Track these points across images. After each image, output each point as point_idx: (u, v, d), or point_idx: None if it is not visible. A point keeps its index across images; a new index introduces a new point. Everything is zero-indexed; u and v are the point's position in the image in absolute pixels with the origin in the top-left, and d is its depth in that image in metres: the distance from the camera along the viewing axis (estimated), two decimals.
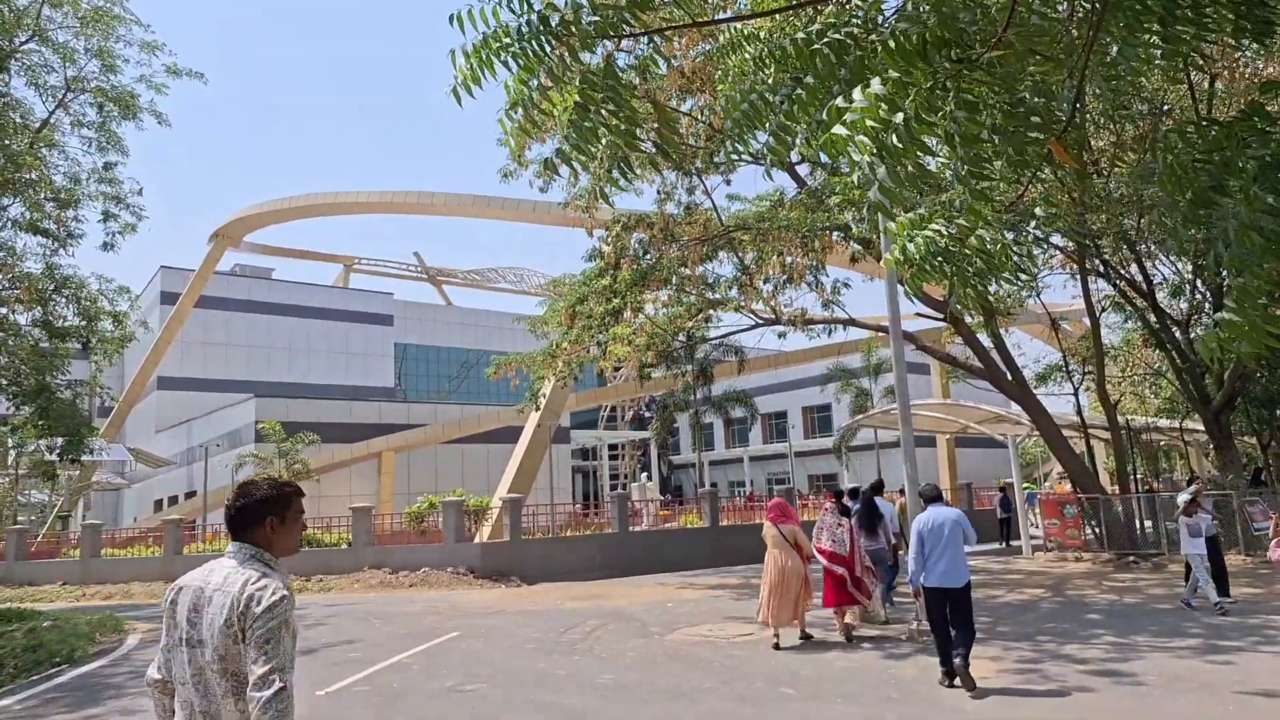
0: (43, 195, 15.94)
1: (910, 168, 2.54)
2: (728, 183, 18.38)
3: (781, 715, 6.78)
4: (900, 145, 2.48)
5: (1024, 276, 3.66)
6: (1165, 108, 14.86)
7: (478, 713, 7.29)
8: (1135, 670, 7.79)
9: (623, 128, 2.87)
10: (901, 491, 13.89)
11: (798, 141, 3.29)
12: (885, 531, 11.60)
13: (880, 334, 23.36)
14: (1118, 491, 20.36)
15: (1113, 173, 15.40)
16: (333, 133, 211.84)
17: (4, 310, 16.49)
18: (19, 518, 43.83)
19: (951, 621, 7.48)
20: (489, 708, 7.40)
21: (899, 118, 2.50)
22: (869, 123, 2.45)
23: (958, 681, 7.30)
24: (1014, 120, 2.78)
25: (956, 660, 7.32)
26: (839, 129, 2.47)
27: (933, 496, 8.14)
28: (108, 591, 21.97)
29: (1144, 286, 20.42)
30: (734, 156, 13.73)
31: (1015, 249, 3.36)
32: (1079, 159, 3.61)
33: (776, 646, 9.49)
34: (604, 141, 2.92)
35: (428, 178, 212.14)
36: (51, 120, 16.83)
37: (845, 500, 10.72)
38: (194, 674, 2.54)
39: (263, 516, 2.68)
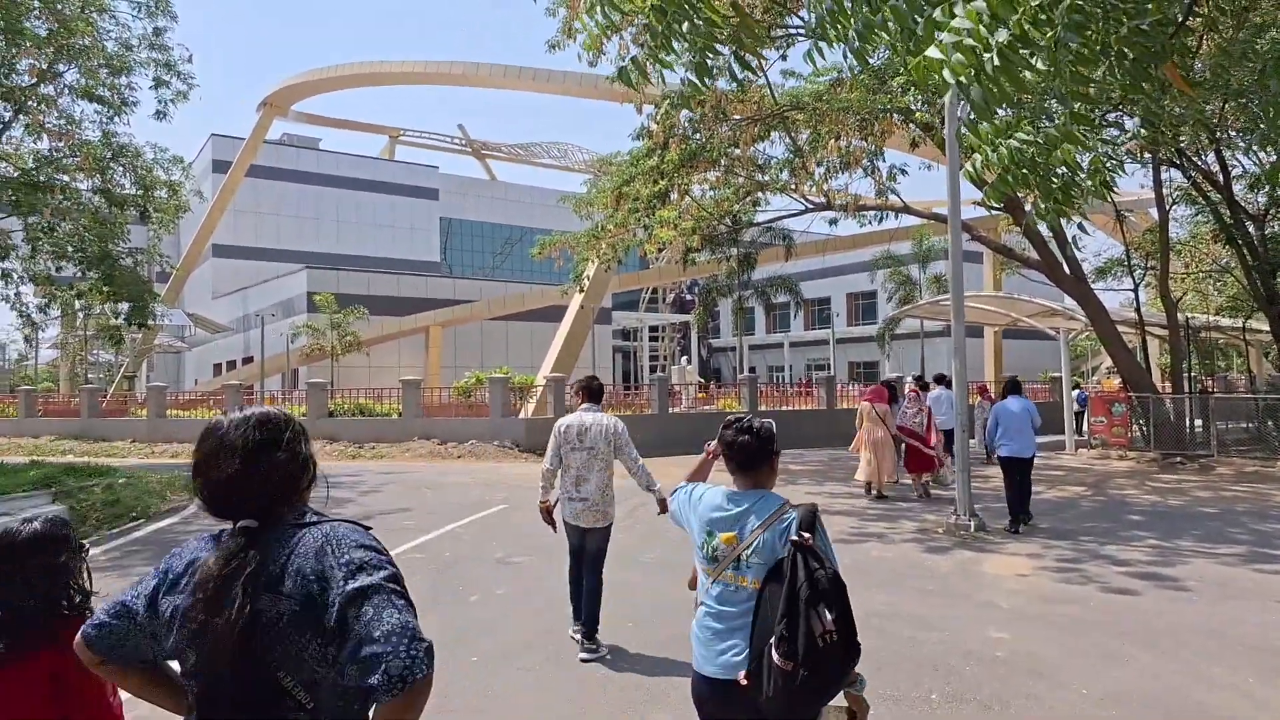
0: (96, 62, 15.87)
1: (1007, 88, 2.37)
2: (784, 58, 17.44)
3: None
4: (1000, 65, 2.30)
5: (1109, 194, 3.47)
6: None
7: (526, 584, 7.68)
8: (1178, 575, 7.73)
9: (701, 31, 2.71)
10: (937, 380, 15.34)
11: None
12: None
13: (933, 222, 22.66)
14: (1169, 390, 20.00)
15: (1199, 51, 14.16)
16: (380, 5, 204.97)
17: (66, 178, 16.76)
18: (89, 375, 46.09)
19: (1018, 485, 9.89)
20: (536, 580, 7.79)
21: (1001, 35, 2.31)
22: (968, 41, 2.27)
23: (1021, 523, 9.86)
24: (1127, 42, 2.55)
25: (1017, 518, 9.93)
26: (933, 52, 2.29)
27: (1012, 389, 10.35)
28: (175, 450, 23.22)
29: (1219, 178, 19.33)
30: (816, 54, 13.13)
31: (1106, 162, 3.17)
32: (1187, 68, 3.35)
33: (880, 496, 12.57)
34: (685, 48, 2.76)
35: (471, 52, 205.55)
36: None
37: (921, 389, 13.99)
38: (581, 463, 5.59)
39: (602, 391, 5.89)
